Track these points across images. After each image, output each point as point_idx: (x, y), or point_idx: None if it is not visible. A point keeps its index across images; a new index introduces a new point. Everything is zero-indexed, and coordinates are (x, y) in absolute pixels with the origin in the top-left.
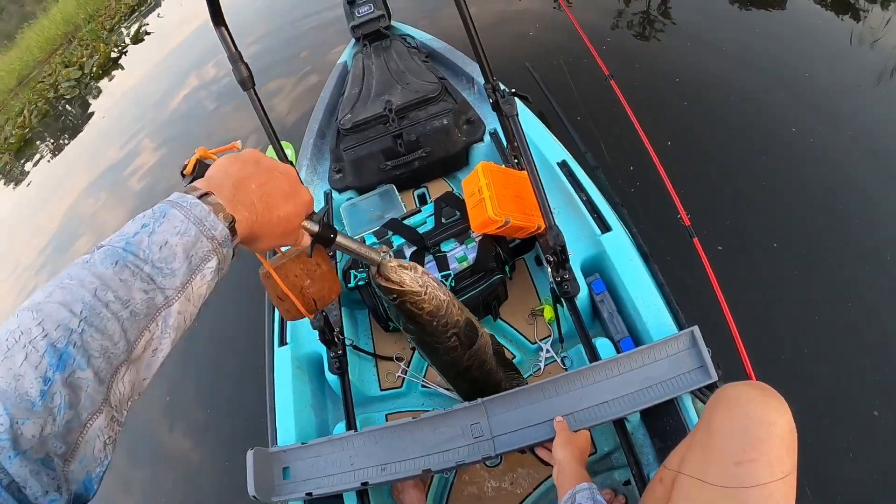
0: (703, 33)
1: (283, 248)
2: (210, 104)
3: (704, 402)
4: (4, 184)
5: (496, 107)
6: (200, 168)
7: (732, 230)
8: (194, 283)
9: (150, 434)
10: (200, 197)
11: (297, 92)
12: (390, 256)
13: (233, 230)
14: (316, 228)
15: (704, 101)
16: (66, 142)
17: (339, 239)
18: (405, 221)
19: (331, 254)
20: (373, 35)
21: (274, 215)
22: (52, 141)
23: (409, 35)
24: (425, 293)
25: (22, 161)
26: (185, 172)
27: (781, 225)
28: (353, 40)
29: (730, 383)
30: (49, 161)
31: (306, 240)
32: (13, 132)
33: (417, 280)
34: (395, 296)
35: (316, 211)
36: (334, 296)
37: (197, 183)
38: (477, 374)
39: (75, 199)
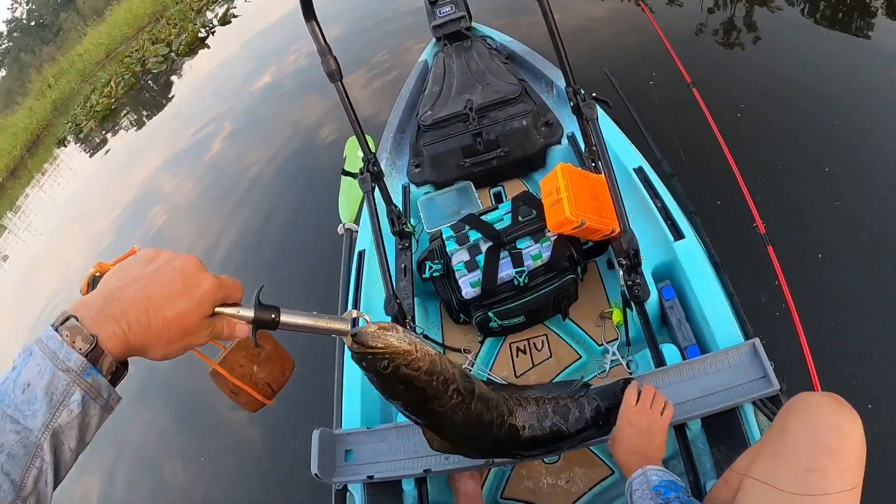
0: (792, 46)
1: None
2: (288, 94)
3: (767, 415)
4: (85, 150)
5: (577, 110)
6: (95, 283)
7: (810, 244)
8: (60, 418)
9: (209, 403)
10: (62, 324)
11: (374, 88)
12: (366, 321)
13: (98, 351)
14: (250, 314)
15: (790, 113)
16: (148, 117)
17: (284, 318)
18: (482, 217)
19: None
20: (453, 35)
21: (158, 318)
22: (134, 114)
23: (489, 36)
24: (416, 350)
25: (104, 130)
26: (82, 291)
27: (864, 243)
28: (434, 40)
29: (806, 392)
30: (129, 133)
31: (241, 329)
32: (99, 100)
33: (404, 339)
34: (385, 363)
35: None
36: (288, 373)
37: (69, 308)
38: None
39: (151, 172)
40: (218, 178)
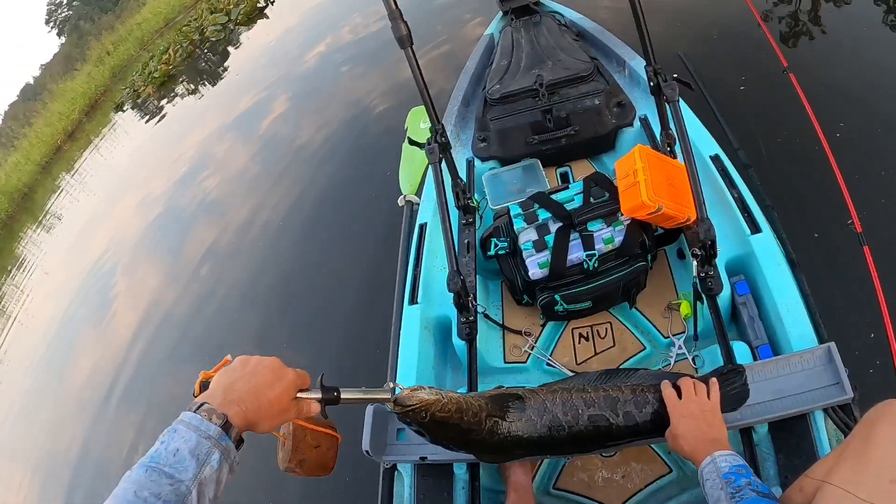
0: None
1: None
2: (341, 66)
3: (837, 424)
4: (142, 115)
5: (656, 90)
6: (205, 386)
7: None
8: (204, 472)
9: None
10: (197, 408)
11: (427, 60)
12: (400, 389)
13: (228, 425)
14: (318, 395)
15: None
16: (204, 85)
17: (343, 395)
18: (552, 196)
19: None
20: (521, 9)
21: (264, 401)
22: (190, 82)
23: (558, 12)
24: (443, 398)
25: (161, 97)
26: (194, 394)
27: None
28: (501, 13)
29: (890, 400)
30: (185, 100)
31: (315, 407)
32: (158, 67)
33: (432, 392)
34: (423, 414)
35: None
36: (334, 449)
37: (199, 398)
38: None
39: (205, 139)
40: (271, 148)
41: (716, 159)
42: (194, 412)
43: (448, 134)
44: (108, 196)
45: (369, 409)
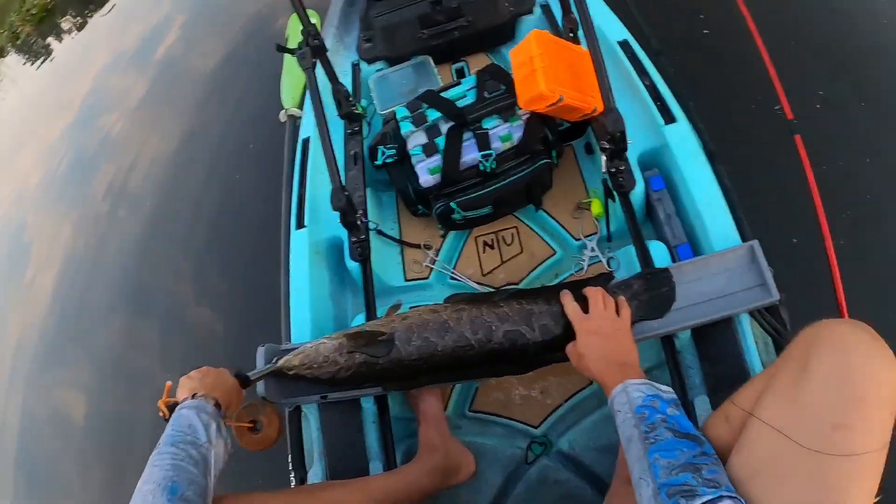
0: None
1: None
2: None
3: (764, 328)
4: (28, 58)
5: None
6: (171, 408)
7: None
8: (211, 436)
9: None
10: (192, 398)
11: None
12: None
13: (217, 403)
14: (266, 370)
15: None
16: (90, 15)
17: (251, 377)
18: (442, 94)
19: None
20: None
21: (226, 388)
22: (74, 14)
23: None
24: (310, 355)
25: (45, 34)
26: (166, 418)
27: None
28: None
29: (832, 320)
30: (72, 35)
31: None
32: (35, 2)
33: (303, 352)
34: (300, 376)
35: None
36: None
37: (187, 395)
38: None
39: (99, 72)
40: (168, 70)
41: (625, 45)
42: (192, 399)
43: (330, 37)
44: (4, 152)
45: (260, 350)
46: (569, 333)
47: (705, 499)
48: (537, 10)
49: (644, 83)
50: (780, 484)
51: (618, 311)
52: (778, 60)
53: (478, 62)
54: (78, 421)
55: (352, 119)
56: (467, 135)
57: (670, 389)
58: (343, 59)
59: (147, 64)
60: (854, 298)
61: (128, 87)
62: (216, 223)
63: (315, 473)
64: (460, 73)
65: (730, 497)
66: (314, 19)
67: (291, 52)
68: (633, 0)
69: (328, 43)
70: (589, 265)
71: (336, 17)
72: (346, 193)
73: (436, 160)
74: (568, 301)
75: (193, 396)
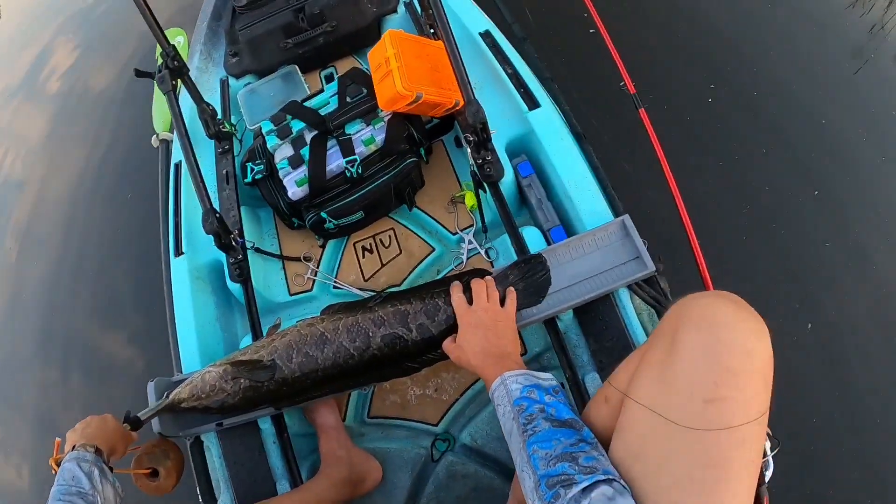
0: None
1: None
2: None
3: (644, 300)
4: None
5: None
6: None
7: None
8: (95, 483)
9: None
10: (73, 450)
11: None
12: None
13: (98, 451)
14: (128, 426)
15: None
16: None
17: (142, 418)
18: (305, 103)
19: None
20: None
21: (108, 434)
22: None
23: None
24: (196, 385)
25: None
26: (55, 472)
27: (746, 104)
28: None
29: (697, 294)
30: None
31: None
32: None
33: (190, 384)
34: (189, 408)
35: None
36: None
37: (68, 448)
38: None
39: None
40: (62, 101)
41: (486, 35)
42: (72, 451)
43: (197, 55)
44: None
45: (150, 385)
46: (449, 329)
47: (582, 486)
48: (401, 9)
49: (507, 71)
50: (661, 464)
51: (503, 302)
52: (617, 37)
53: (346, 66)
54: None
55: (221, 138)
56: (331, 142)
57: (550, 377)
58: (212, 76)
59: (37, 95)
60: (719, 265)
61: (18, 120)
62: (120, 256)
63: (224, 502)
64: (329, 79)
65: (606, 481)
66: (180, 37)
67: (150, 75)
68: None
69: (196, 61)
70: (469, 258)
71: (202, 34)
72: (218, 215)
73: (302, 171)
74: (455, 292)
75: (74, 448)
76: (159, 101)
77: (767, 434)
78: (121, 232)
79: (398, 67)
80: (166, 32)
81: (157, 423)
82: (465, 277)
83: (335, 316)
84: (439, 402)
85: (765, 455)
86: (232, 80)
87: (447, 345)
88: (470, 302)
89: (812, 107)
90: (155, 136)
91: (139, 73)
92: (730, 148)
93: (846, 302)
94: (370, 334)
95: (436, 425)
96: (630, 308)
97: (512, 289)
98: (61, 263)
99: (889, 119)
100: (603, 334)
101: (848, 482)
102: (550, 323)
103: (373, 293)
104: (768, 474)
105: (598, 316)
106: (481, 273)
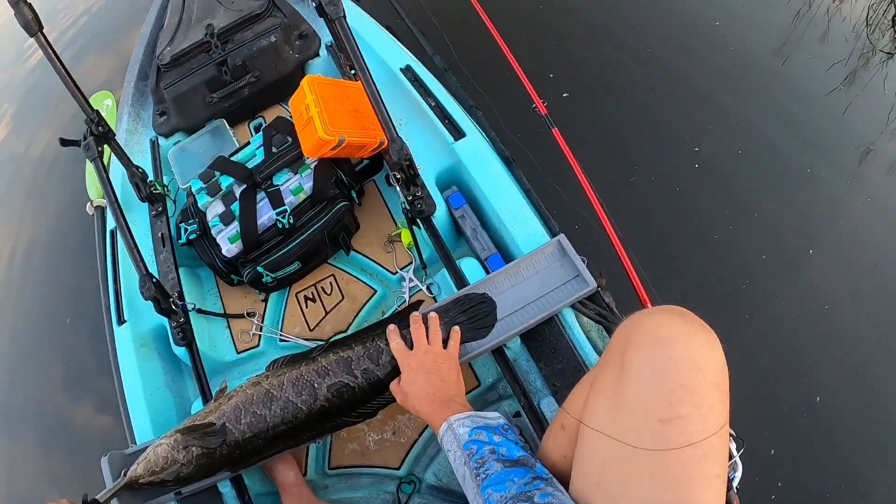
0: None
1: None
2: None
3: (591, 317)
4: None
5: (320, 10)
6: None
7: (595, 122)
8: None
9: None
10: None
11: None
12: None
13: None
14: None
15: None
16: None
17: (101, 500)
18: (232, 158)
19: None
20: None
21: None
22: None
23: None
24: (150, 460)
25: None
26: None
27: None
28: None
29: (643, 311)
30: None
31: None
32: None
33: (144, 460)
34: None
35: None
36: None
37: None
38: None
39: None
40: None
41: (407, 70)
42: None
43: (125, 117)
44: None
45: (104, 461)
46: (395, 370)
47: None
48: (323, 52)
49: (430, 104)
50: (624, 490)
51: (446, 344)
52: (525, 62)
53: (274, 115)
54: None
55: (153, 200)
56: (260, 195)
57: (497, 415)
58: (142, 137)
59: None
60: (669, 277)
61: None
62: (79, 324)
63: None
64: (258, 130)
65: None
66: (108, 100)
67: (76, 143)
68: (416, 23)
69: (125, 122)
70: (411, 295)
71: (129, 95)
72: (155, 280)
73: (234, 227)
74: (392, 338)
75: None
76: (91, 168)
77: (732, 435)
78: (68, 301)
79: (318, 113)
80: (95, 96)
81: (116, 502)
82: (399, 317)
83: (280, 371)
84: (398, 445)
85: (731, 457)
86: (162, 140)
87: (393, 387)
88: (410, 345)
89: (734, 110)
90: (89, 203)
91: (65, 142)
92: (653, 161)
93: (781, 301)
94: (315, 386)
95: (398, 468)
96: (577, 327)
97: (456, 328)
98: (16, 336)
99: (814, 115)
100: (553, 357)
101: (814, 473)
102: (499, 352)
103: (320, 342)
104: (737, 475)
105: (545, 339)
106: (416, 306)
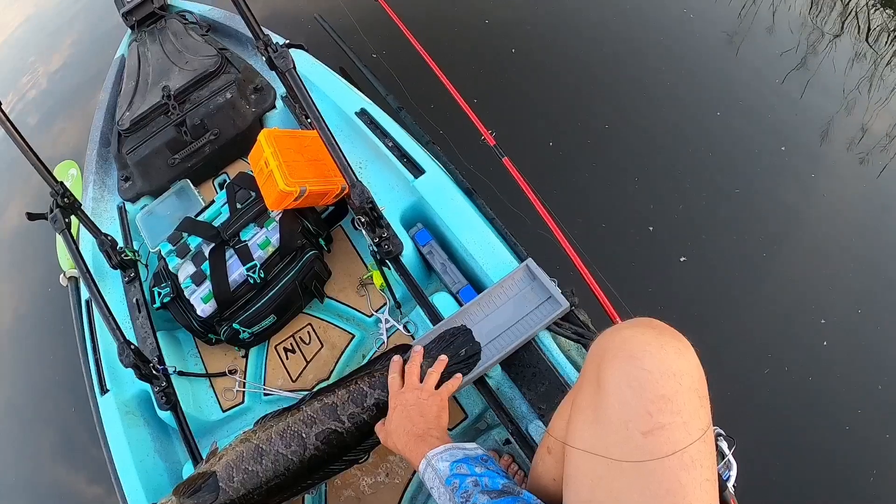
0: None
1: None
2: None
3: (568, 337)
4: None
5: (271, 64)
6: None
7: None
8: None
9: None
10: None
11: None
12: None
13: None
14: None
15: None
16: None
17: None
18: (198, 218)
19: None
20: (146, 18)
21: None
22: None
23: (187, 11)
24: None
25: None
26: None
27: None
28: (129, 30)
29: (614, 327)
30: None
31: None
32: None
33: None
34: None
35: None
36: None
37: None
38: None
39: None
40: None
41: (362, 113)
42: None
43: (90, 185)
44: None
45: None
46: (381, 411)
47: None
48: (279, 104)
49: (387, 144)
50: None
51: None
52: (468, 95)
53: (238, 170)
54: None
55: (125, 267)
56: (229, 252)
57: (475, 445)
58: (109, 204)
59: None
60: (626, 288)
61: None
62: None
63: None
64: (223, 186)
65: None
66: (73, 169)
67: (43, 216)
68: (368, 67)
69: (90, 191)
70: (389, 336)
71: (93, 163)
72: (133, 347)
73: (207, 287)
74: (393, 370)
75: None
76: (61, 240)
77: (721, 434)
78: (53, 373)
79: (277, 166)
80: (60, 166)
81: None
82: (381, 360)
83: (267, 424)
84: (393, 487)
85: (724, 456)
86: (129, 205)
87: (378, 428)
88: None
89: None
90: (62, 274)
91: (32, 216)
92: (611, 174)
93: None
94: (304, 435)
95: None
96: (555, 349)
97: (443, 359)
98: (7, 410)
99: (765, 111)
100: (534, 381)
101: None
102: (481, 382)
103: (305, 392)
104: (732, 474)
105: (525, 364)
106: (403, 349)
